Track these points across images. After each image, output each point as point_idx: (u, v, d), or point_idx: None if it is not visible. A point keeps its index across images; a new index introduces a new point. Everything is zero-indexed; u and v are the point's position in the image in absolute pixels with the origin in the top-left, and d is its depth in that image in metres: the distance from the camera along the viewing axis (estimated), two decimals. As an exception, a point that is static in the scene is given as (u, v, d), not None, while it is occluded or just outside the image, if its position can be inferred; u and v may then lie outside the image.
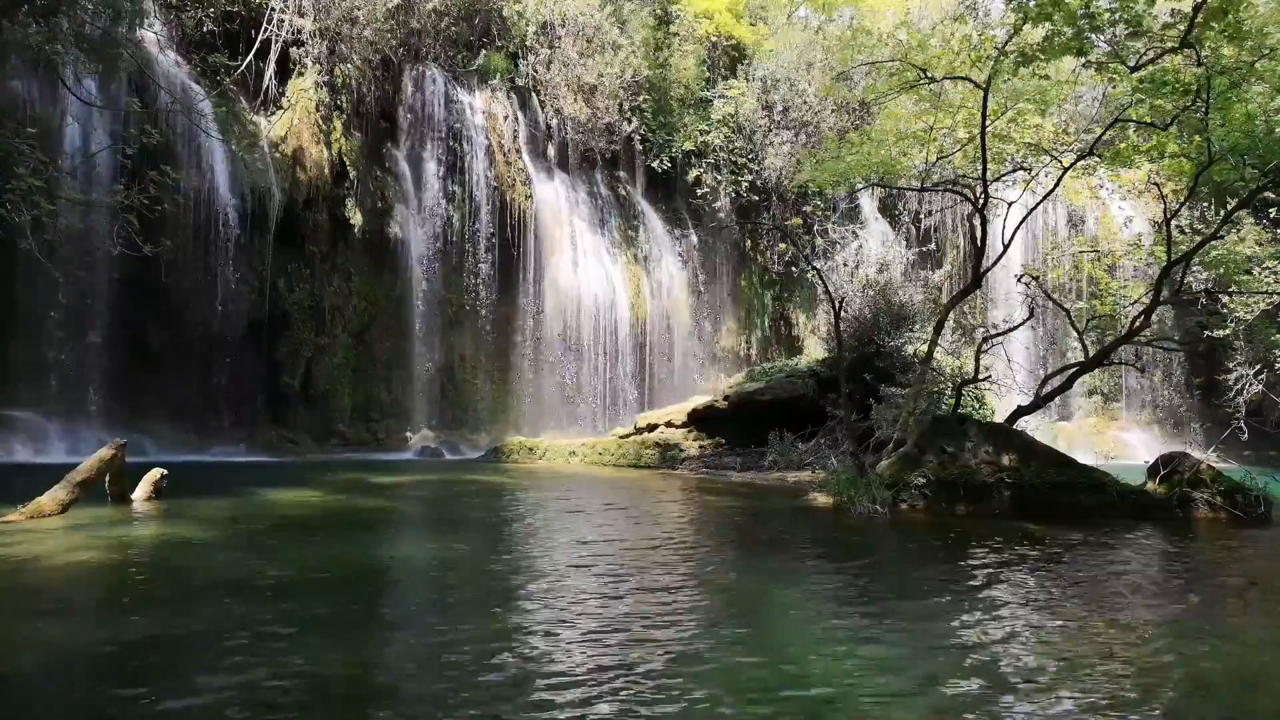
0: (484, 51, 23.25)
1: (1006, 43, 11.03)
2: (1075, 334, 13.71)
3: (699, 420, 17.67)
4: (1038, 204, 14.09)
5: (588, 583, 5.85)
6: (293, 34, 19.27)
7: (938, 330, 13.08)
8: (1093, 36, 10.61)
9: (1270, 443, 19.67)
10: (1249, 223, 17.39)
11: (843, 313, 13.86)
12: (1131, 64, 10.76)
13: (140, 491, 9.04)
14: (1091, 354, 13.11)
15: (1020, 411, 12.25)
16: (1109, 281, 19.61)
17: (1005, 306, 22.38)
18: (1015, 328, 14.28)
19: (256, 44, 18.83)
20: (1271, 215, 17.53)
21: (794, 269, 25.63)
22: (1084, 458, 12.52)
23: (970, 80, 11.98)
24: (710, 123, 25.39)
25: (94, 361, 16.26)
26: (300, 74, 19.60)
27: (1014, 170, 13.73)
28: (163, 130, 15.32)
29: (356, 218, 20.03)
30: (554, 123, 23.74)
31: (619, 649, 4.26)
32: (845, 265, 20.09)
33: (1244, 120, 10.52)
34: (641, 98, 24.51)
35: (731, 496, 11.72)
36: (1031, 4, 10.27)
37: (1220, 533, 9.03)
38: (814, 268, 15.81)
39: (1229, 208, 12.02)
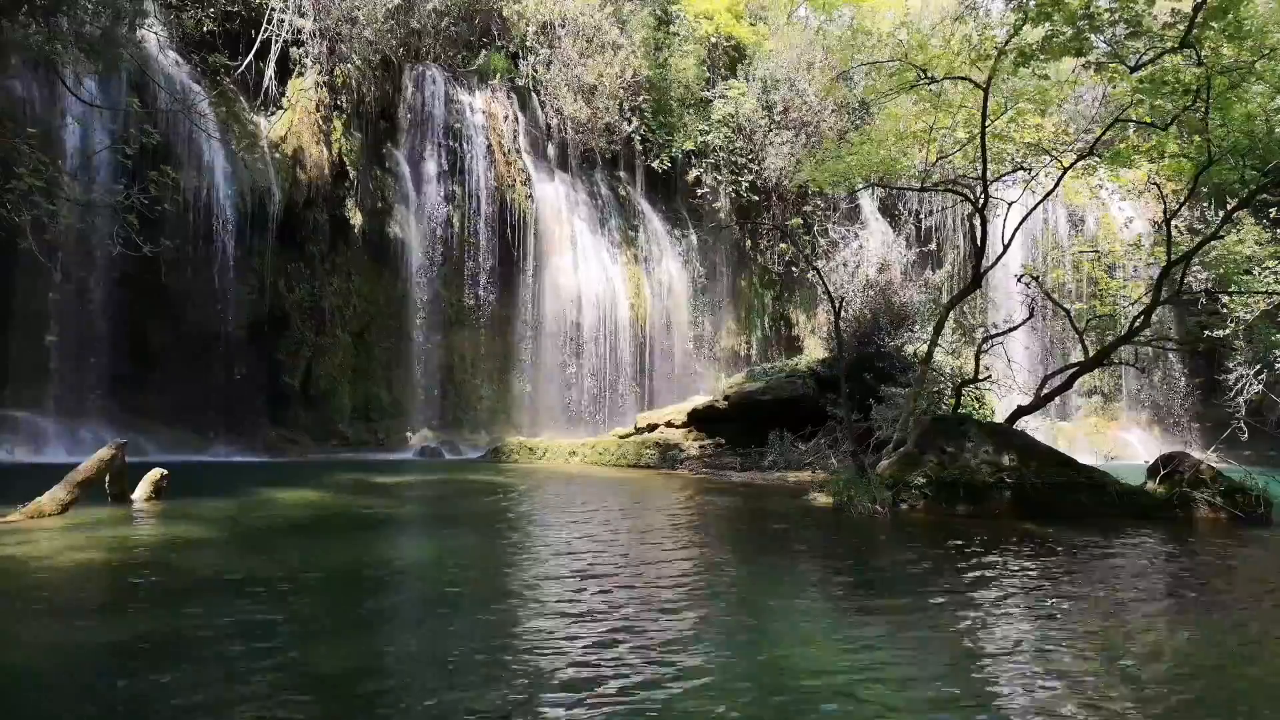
0: (484, 51, 23.24)
1: (1006, 43, 11.03)
2: (1075, 334, 13.71)
3: (699, 420, 17.66)
4: (1038, 204, 14.08)
5: (587, 582, 5.85)
6: (293, 34, 19.27)
7: (938, 330, 13.08)
8: (1092, 36, 10.61)
9: (1270, 443, 19.64)
10: (1249, 223, 17.37)
11: (843, 313, 13.86)
12: (1131, 64, 10.76)
13: (140, 491, 9.04)
14: (1091, 354, 13.11)
15: (1020, 411, 12.25)
16: (1109, 281, 19.60)
17: (1005, 306, 22.38)
18: (1015, 328, 14.28)
19: (256, 44, 18.83)
20: (1271, 215, 17.52)
21: (794, 269, 25.63)
22: (1084, 458, 12.51)
23: (970, 80, 11.99)
24: (710, 123, 25.38)
25: (94, 361, 16.25)
26: (300, 74, 19.61)
27: (1014, 170, 13.73)
28: (163, 130, 15.32)
29: (356, 218, 20.03)
30: (554, 123, 23.73)
31: (617, 649, 4.26)
32: (845, 265, 20.11)
33: (1244, 120, 10.53)
34: (641, 98, 24.50)
35: (732, 496, 11.72)
36: (1031, 4, 10.28)
37: (1220, 533, 9.03)
38: (814, 268, 15.82)
39: (1229, 208, 12.02)
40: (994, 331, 15.02)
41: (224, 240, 17.42)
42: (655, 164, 24.95)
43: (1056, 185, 13.36)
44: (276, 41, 19.07)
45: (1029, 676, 4.02)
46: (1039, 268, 20.55)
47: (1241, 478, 10.28)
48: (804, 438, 15.80)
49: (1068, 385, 13.53)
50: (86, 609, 5.07)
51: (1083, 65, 11.54)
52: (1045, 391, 12.64)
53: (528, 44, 23.54)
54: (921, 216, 27.88)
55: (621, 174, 25.54)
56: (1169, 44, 10.25)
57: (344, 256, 19.98)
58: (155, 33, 17.64)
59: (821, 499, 10.57)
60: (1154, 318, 12.96)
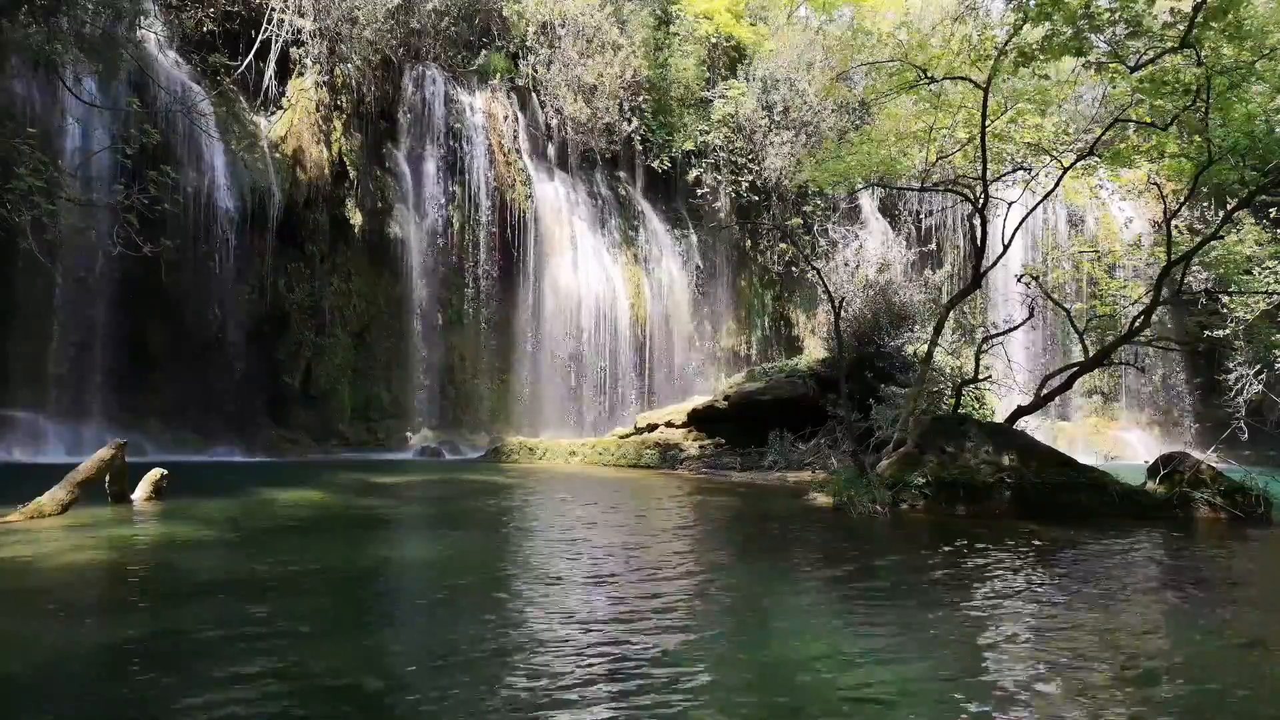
0: (484, 51, 23.25)
1: (1006, 43, 11.03)
2: (1075, 334, 13.71)
3: (699, 420, 17.67)
4: (1038, 204, 14.09)
5: (586, 584, 5.85)
6: (293, 34, 19.27)
7: (938, 330, 13.08)
8: (1092, 36, 10.62)
9: (1270, 443, 19.64)
10: (1249, 223, 17.37)
11: (843, 313, 13.86)
12: (1131, 64, 10.76)
13: (140, 492, 9.04)
14: (1091, 354, 13.10)
15: (1020, 411, 12.25)
16: (1109, 281, 19.60)
17: (1005, 306, 22.38)
18: (1015, 328, 14.28)
19: (256, 44, 18.84)
20: (1271, 215, 17.51)
21: (794, 269, 25.63)
22: (1084, 458, 12.50)
23: (970, 80, 11.99)
24: (710, 123, 25.38)
25: (94, 361, 16.24)
26: (300, 74, 19.60)
27: (1014, 170, 13.74)
28: (163, 130, 15.31)
29: (356, 218, 20.03)
30: (554, 123, 23.73)
31: (618, 650, 4.26)
32: (845, 265, 20.12)
33: (1244, 120, 10.54)
34: (641, 98, 24.50)
35: (732, 497, 11.71)
36: (1031, 4, 10.28)
37: (1220, 533, 9.03)
38: (814, 268, 15.81)
39: (1229, 208, 12.02)
40: (994, 331, 15.02)
41: (224, 240, 17.41)
42: (655, 164, 24.96)
43: (1056, 185, 13.36)
44: (276, 41, 19.08)
45: (1031, 677, 4.02)
46: (1039, 268, 20.54)
47: (1241, 478, 10.28)
48: (804, 438, 15.80)
49: (1068, 385, 13.52)
50: (86, 609, 5.06)
51: (1083, 65, 11.54)
52: (1045, 391, 12.64)
53: (528, 44, 23.54)
54: (921, 216, 27.89)
55: (621, 174, 25.54)
56: (1169, 44, 10.25)
57: (344, 256, 19.99)
58: (155, 33, 17.65)
59: (821, 499, 10.57)
60: (1154, 318, 12.95)
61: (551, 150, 23.94)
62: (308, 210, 19.24)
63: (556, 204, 23.21)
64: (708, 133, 25.28)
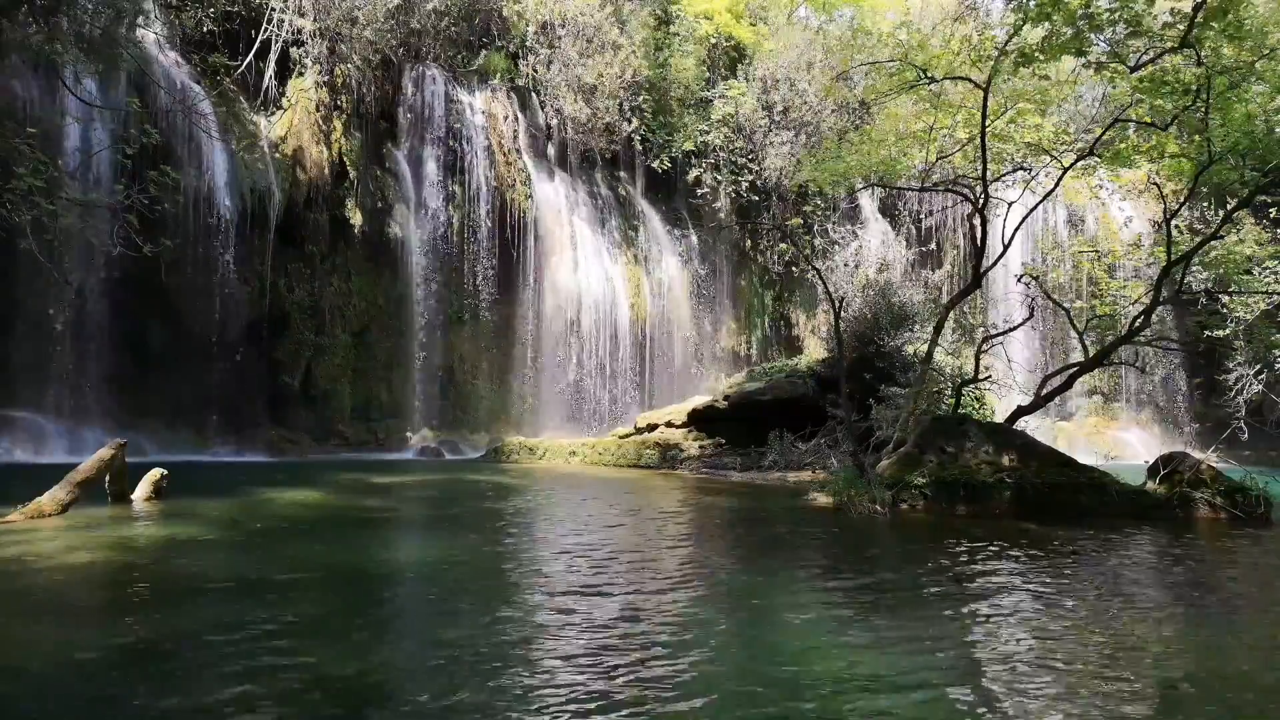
0: (484, 51, 23.25)
1: (1006, 43, 11.03)
2: (1075, 334, 13.71)
3: (699, 420, 17.67)
4: (1038, 204, 14.09)
5: (586, 584, 5.85)
6: (293, 34, 19.27)
7: (938, 330, 13.08)
8: (1092, 36, 10.62)
9: (1270, 443, 19.65)
10: (1249, 223, 17.37)
11: (843, 313, 13.86)
12: (1131, 64, 10.77)
13: (140, 491, 9.04)
14: (1091, 354, 13.10)
15: (1020, 411, 12.24)
16: (1109, 281, 19.60)
17: (1005, 306, 22.38)
18: (1015, 328, 14.28)
19: (256, 44, 18.84)
20: (1271, 215, 17.51)
21: (794, 269, 25.64)
22: (1084, 458, 12.49)
23: (970, 80, 11.99)
24: (710, 123, 25.39)
25: (94, 361, 16.26)
26: (300, 74, 19.61)
27: (1014, 170, 13.74)
28: (163, 130, 15.32)
29: (356, 218, 20.04)
30: (554, 123, 23.74)
31: (618, 651, 4.26)
32: (845, 265, 20.14)
33: (1244, 120, 10.54)
34: (641, 98, 24.51)
35: (732, 497, 11.71)
36: (1031, 4, 10.28)
37: (1220, 533, 9.03)
38: (814, 268, 15.82)
39: (1229, 208, 12.02)
40: (994, 331, 15.03)
41: (224, 240, 17.42)
42: (655, 164, 24.96)
43: (1056, 185, 13.36)
44: (276, 41, 19.08)
45: (1031, 678, 4.02)
46: (1039, 268, 20.54)
47: (1241, 478, 10.27)
48: (804, 438, 15.80)
49: (1068, 385, 13.52)
50: (86, 610, 5.06)
51: (1083, 65, 11.55)
52: (1045, 391, 12.63)
53: (528, 44, 23.54)
54: (921, 216, 27.89)
55: (621, 174, 25.54)
56: (1169, 44, 10.25)
57: (344, 256, 20.00)
58: (155, 33, 17.65)
59: (821, 499, 10.57)
60: (1154, 318, 12.95)
61: (551, 150, 23.95)
62: (308, 210, 19.25)
63: (556, 204, 23.22)
64: (708, 133, 25.28)
